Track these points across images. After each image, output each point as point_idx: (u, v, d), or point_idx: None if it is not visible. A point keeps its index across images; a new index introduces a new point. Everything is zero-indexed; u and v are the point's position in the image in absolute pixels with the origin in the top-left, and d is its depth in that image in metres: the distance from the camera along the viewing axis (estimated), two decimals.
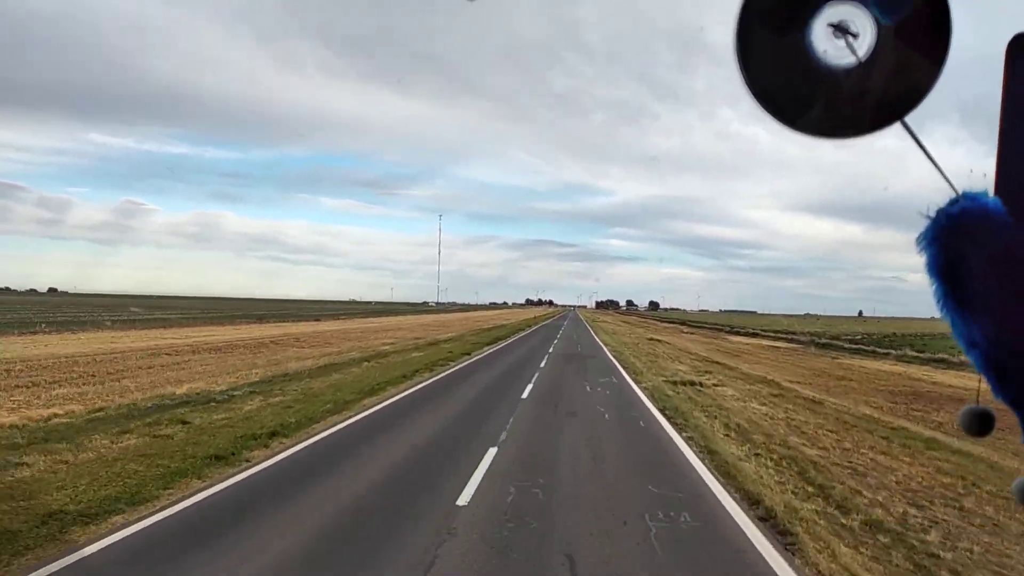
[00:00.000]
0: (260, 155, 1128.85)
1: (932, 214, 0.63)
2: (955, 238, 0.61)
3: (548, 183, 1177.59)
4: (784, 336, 66.28)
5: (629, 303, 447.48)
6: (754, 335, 69.64)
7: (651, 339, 45.19)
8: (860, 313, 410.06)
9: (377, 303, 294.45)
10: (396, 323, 71.91)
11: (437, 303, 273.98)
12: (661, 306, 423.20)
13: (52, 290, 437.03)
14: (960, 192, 0.63)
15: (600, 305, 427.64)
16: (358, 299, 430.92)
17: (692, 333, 75.83)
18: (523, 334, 47.06)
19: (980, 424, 0.68)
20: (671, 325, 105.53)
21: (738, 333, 73.83)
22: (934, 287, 0.63)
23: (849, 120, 0.68)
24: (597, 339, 40.38)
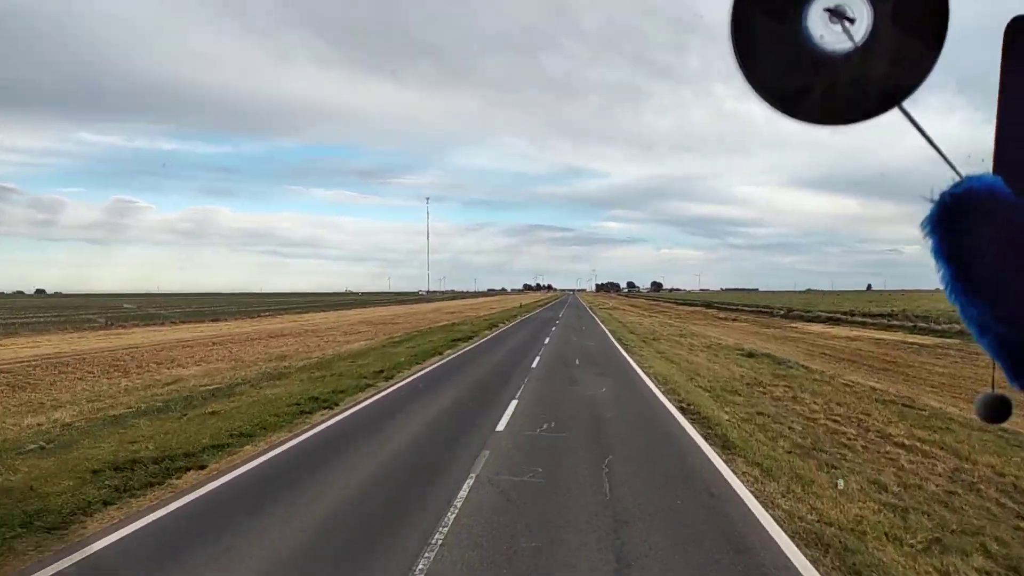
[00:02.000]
0: (251, 148, 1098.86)
1: (935, 197, 0.59)
2: (961, 220, 0.58)
3: (544, 167, 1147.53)
4: (874, 321, 43.70)
5: (630, 285, 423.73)
6: (831, 320, 46.87)
7: (736, 347, 21.56)
8: (869, 287, 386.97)
9: (364, 294, 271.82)
10: (328, 321, 49.50)
11: (428, 291, 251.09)
12: (663, 287, 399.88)
13: (40, 291, 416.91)
14: (964, 174, 0.60)
15: (600, 288, 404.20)
16: (354, 290, 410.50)
17: (734, 320, 53.45)
18: (480, 341, 24.43)
19: (997, 410, 0.64)
20: (693, 308, 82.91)
21: (800, 318, 51.38)
22: (941, 272, 0.59)
23: (846, 107, 0.64)
24: (634, 366, 16.37)
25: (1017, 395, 0.62)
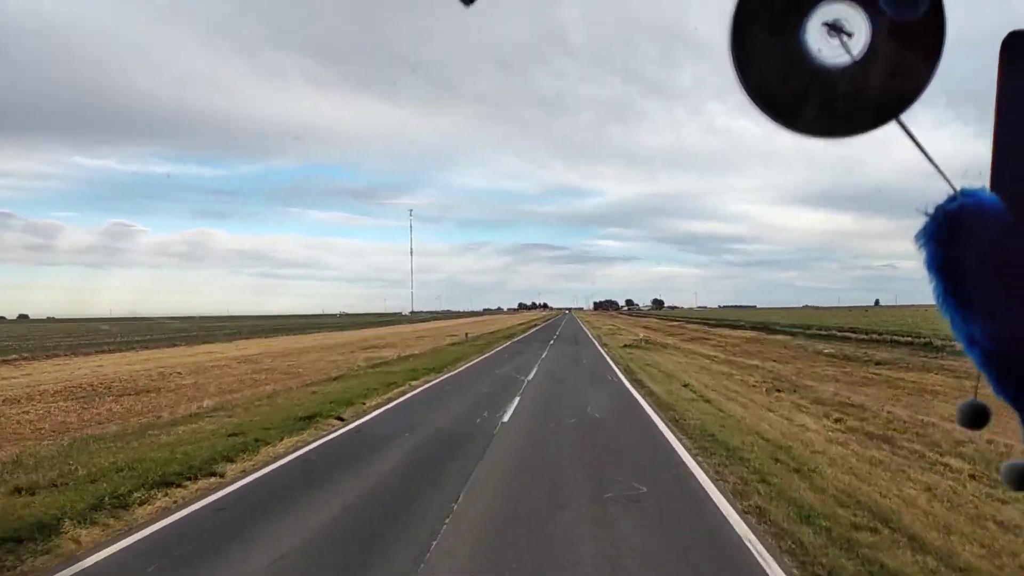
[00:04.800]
0: (246, 170, 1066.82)
1: (930, 211, 0.58)
2: (954, 235, 0.57)
3: (538, 186, 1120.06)
4: None
5: (629, 302, 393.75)
6: None
7: None
8: (877, 302, 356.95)
9: (342, 315, 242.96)
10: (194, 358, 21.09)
11: (412, 312, 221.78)
12: (665, 304, 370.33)
13: (23, 316, 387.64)
14: (958, 189, 0.59)
15: (599, 306, 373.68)
16: (348, 311, 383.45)
17: (898, 367, 25.48)
18: None
19: (976, 418, 0.64)
20: (743, 334, 53.84)
21: None
22: (933, 284, 0.58)
23: (844, 120, 0.63)
24: None
25: (1001, 404, 0.62)
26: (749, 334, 53.55)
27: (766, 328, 59.36)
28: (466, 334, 34.07)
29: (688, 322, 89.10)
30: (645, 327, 78.00)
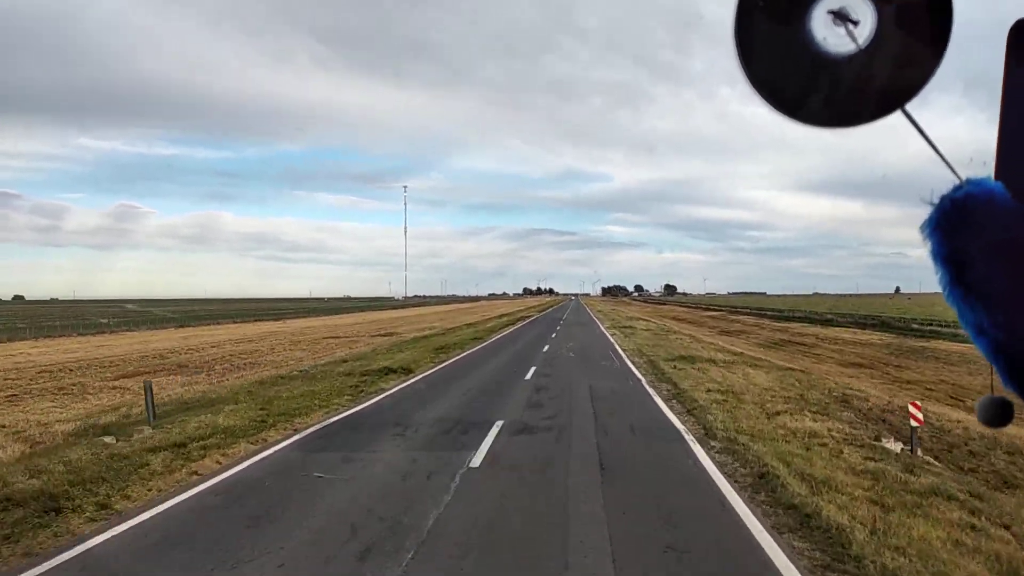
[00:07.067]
0: (254, 153, 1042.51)
1: (935, 200, 0.56)
2: (960, 224, 0.55)
3: (546, 171, 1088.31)
4: None
5: (638, 288, 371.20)
6: None
7: None
8: (897, 289, 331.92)
9: (341, 298, 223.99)
10: None
11: (405, 297, 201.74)
12: (677, 290, 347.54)
13: (18, 297, 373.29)
14: (964, 178, 0.57)
15: (607, 292, 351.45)
16: (352, 295, 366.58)
17: None
18: None
19: (1000, 413, 0.60)
20: (862, 334, 32.50)
21: None
22: (939, 274, 0.57)
23: (849, 109, 0.62)
24: None
25: (1014, 398, 0.59)
26: (867, 337, 32.00)
27: (881, 323, 37.53)
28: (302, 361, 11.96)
29: (733, 312, 67.07)
30: (675, 318, 56.48)
